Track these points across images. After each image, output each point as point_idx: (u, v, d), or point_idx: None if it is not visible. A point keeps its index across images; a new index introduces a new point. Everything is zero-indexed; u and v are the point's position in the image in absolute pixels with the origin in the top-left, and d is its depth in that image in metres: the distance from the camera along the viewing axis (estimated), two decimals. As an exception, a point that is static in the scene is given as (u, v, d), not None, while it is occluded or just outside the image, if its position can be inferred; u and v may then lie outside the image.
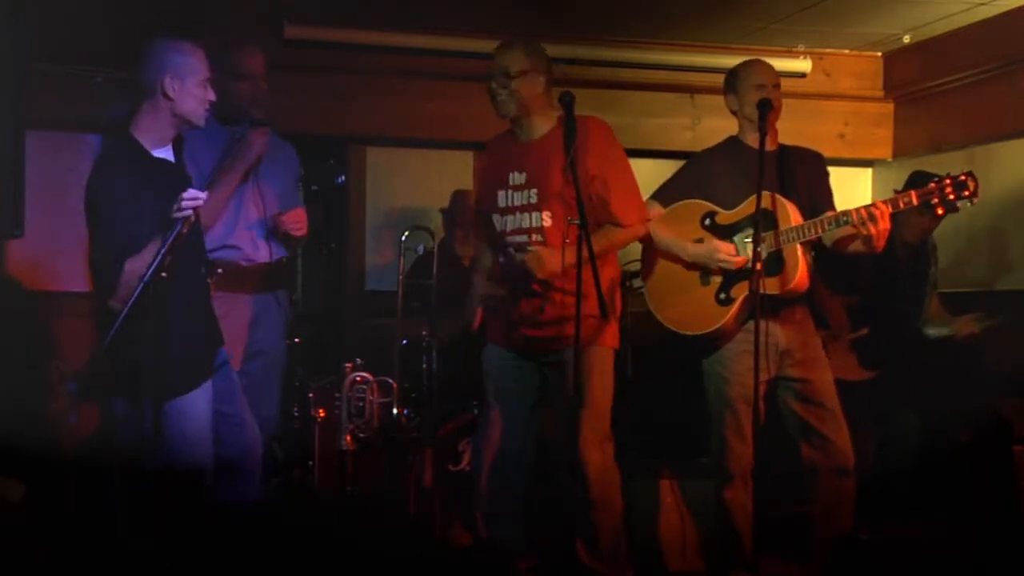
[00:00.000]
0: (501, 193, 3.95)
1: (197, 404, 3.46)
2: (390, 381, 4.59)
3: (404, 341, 4.78)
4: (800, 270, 3.91)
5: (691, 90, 5.99)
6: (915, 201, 3.76)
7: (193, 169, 3.74)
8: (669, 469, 4.60)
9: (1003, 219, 5.54)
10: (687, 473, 4.58)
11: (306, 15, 5.40)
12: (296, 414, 4.76)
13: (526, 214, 3.92)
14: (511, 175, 3.94)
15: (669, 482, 4.54)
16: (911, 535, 4.07)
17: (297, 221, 4.25)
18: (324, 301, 6.10)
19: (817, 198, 4.09)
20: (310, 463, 4.63)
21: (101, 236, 3.42)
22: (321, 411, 4.61)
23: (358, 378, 4.55)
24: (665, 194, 4.20)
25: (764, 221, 3.86)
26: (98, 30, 4.98)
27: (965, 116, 5.73)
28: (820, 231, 3.89)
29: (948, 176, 3.75)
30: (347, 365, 4.57)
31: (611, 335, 3.94)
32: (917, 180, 4.83)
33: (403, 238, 5.01)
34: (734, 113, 4.16)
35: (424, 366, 4.70)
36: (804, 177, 4.11)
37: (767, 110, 3.91)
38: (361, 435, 4.51)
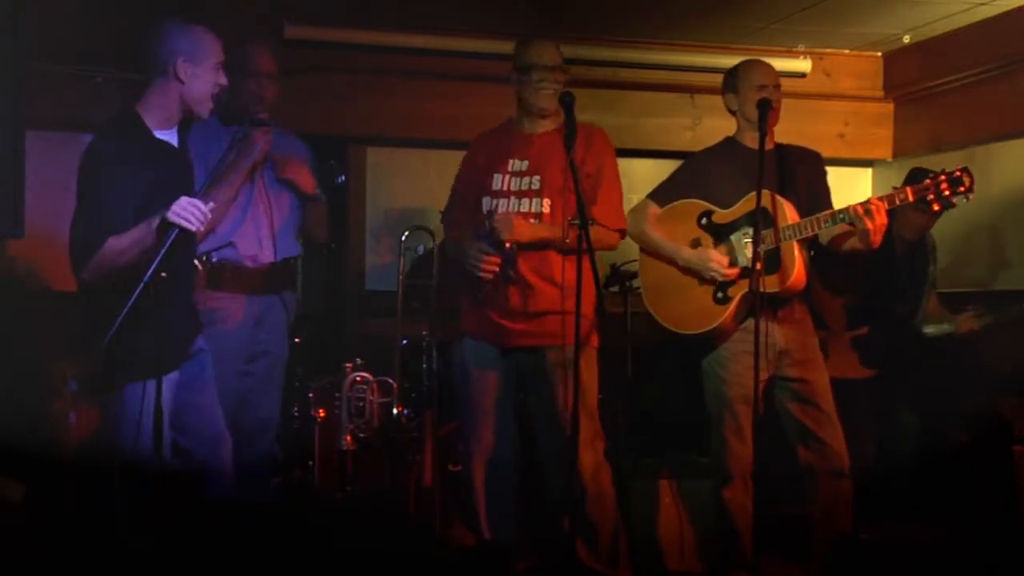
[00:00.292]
0: (497, 176, 3.98)
1: (167, 384, 3.34)
2: (390, 381, 4.59)
3: (404, 341, 4.78)
4: (797, 268, 3.92)
5: (691, 90, 5.99)
6: (911, 197, 3.76)
7: (201, 168, 3.74)
8: (669, 469, 4.60)
9: (1003, 219, 5.54)
10: (686, 473, 4.58)
11: (306, 15, 5.40)
12: (296, 414, 4.77)
13: (526, 199, 3.95)
14: (511, 161, 3.98)
15: (668, 482, 4.55)
16: (911, 535, 4.07)
17: (294, 165, 4.20)
18: (324, 301, 6.09)
19: (815, 197, 4.10)
20: (310, 463, 4.63)
21: (87, 208, 3.36)
22: (321, 411, 4.61)
23: (358, 378, 4.55)
24: (662, 194, 4.21)
25: (761, 220, 3.86)
26: (98, 30, 4.98)
27: (965, 116, 5.72)
28: (818, 228, 3.90)
29: (943, 172, 3.74)
30: (347, 365, 4.57)
31: (595, 336, 4.00)
32: (916, 177, 4.83)
33: (403, 238, 5.01)
34: (733, 113, 4.17)
35: (424, 366, 4.69)
36: (802, 176, 4.11)
37: (767, 110, 3.92)
38: (361, 435, 4.51)
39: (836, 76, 6.17)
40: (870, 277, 4.80)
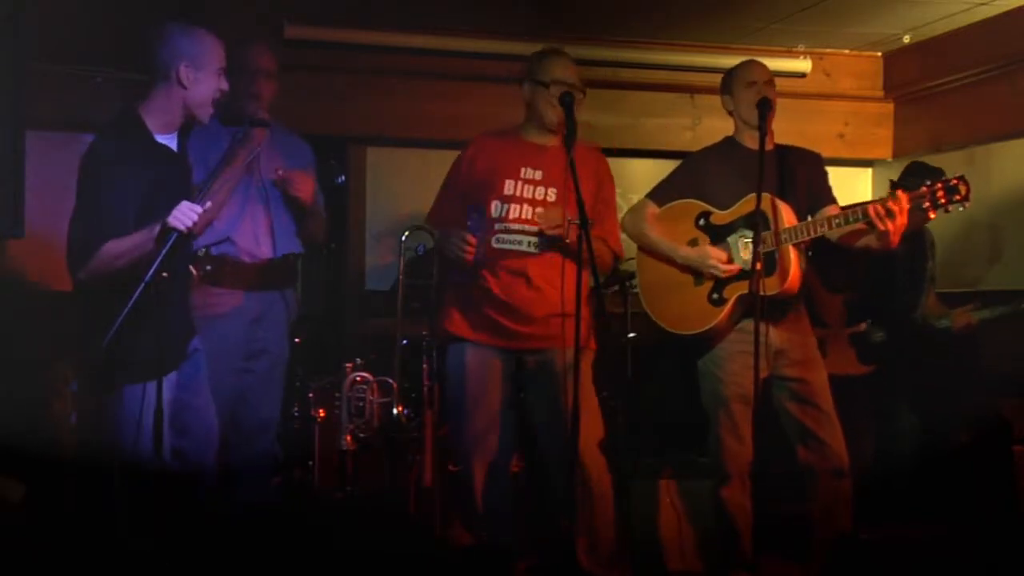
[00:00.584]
0: (509, 181, 3.97)
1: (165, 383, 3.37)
2: (390, 381, 4.59)
3: (404, 341, 4.78)
4: (793, 271, 3.92)
5: (691, 90, 5.99)
6: (905, 204, 3.74)
7: (201, 169, 3.73)
8: (669, 469, 4.60)
9: (1003, 218, 5.54)
10: (686, 473, 4.58)
11: (306, 15, 5.40)
12: (296, 414, 4.76)
13: (541, 209, 3.94)
14: (523, 169, 3.97)
15: (668, 482, 4.55)
16: (911, 535, 4.07)
17: (295, 179, 4.20)
18: (324, 301, 6.09)
19: (815, 197, 4.10)
20: (310, 463, 4.63)
21: (86, 208, 3.37)
22: (321, 411, 4.61)
23: (358, 378, 4.55)
24: (661, 194, 4.21)
25: (760, 222, 3.87)
26: (98, 30, 4.98)
27: (965, 116, 5.72)
28: (828, 229, 3.88)
29: (940, 180, 3.73)
30: (347, 365, 4.57)
31: (593, 338, 4.02)
32: (914, 170, 4.84)
33: (403, 238, 5.00)
34: (731, 114, 4.17)
35: (424, 366, 4.69)
36: (802, 177, 4.11)
37: (767, 110, 3.92)
38: (361, 435, 4.51)
39: (836, 76, 6.17)
40: (869, 274, 4.80)
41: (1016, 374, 4.82)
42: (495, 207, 3.97)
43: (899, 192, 3.74)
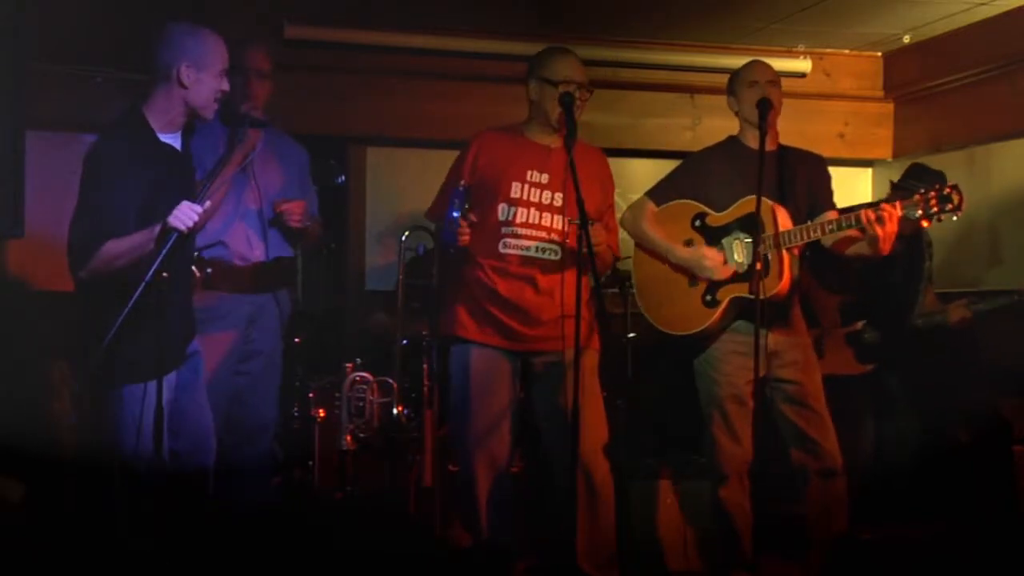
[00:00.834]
0: (516, 184, 3.95)
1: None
2: (390, 381, 4.59)
3: (404, 341, 4.78)
4: (785, 276, 3.92)
5: (691, 90, 5.99)
6: (899, 211, 3.74)
7: (201, 170, 3.73)
8: (669, 469, 4.60)
9: (1002, 218, 5.54)
10: (686, 473, 4.58)
11: (306, 15, 5.40)
12: (296, 414, 4.76)
13: (548, 214, 3.94)
14: (529, 172, 3.96)
15: (668, 482, 4.55)
16: (911, 535, 4.07)
17: (295, 212, 4.23)
18: (324, 301, 6.09)
19: (817, 199, 4.10)
20: (310, 463, 4.62)
21: (88, 206, 3.37)
22: (321, 411, 4.61)
23: (358, 378, 4.54)
24: (659, 192, 4.21)
25: (751, 226, 3.87)
26: (98, 30, 4.98)
27: (965, 116, 5.72)
28: (821, 234, 3.90)
29: (934, 189, 3.73)
30: (347, 365, 4.57)
31: (597, 338, 4.01)
32: (914, 173, 4.84)
33: (403, 238, 5.00)
34: (736, 114, 4.17)
35: (424, 366, 4.69)
36: (803, 178, 4.11)
37: (767, 109, 3.92)
38: (361, 435, 4.51)
39: (836, 76, 6.17)
40: (866, 274, 4.80)
41: (1015, 370, 4.81)
42: (502, 210, 3.95)
43: (894, 203, 3.75)
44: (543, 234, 3.93)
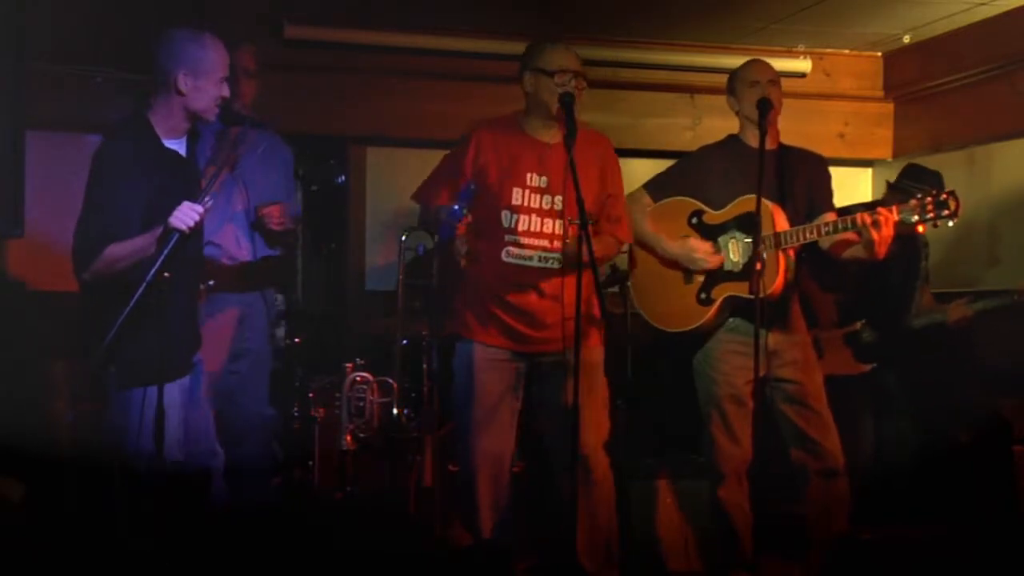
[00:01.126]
0: (517, 190, 3.91)
1: (171, 394, 3.35)
2: (390, 381, 4.58)
3: (404, 341, 4.78)
4: (779, 276, 3.92)
5: (691, 90, 5.99)
6: (895, 216, 3.75)
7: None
8: (668, 469, 4.60)
9: (1002, 218, 5.54)
10: (686, 473, 4.58)
11: (306, 15, 5.40)
12: (296, 414, 4.76)
13: (549, 220, 3.91)
14: (529, 175, 3.92)
15: (668, 482, 4.54)
16: (911, 535, 4.06)
17: (275, 215, 4.23)
18: (324, 301, 6.10)
19: (816, 199, 4.10)
20: (310, 463, 4.62)
21: (93, 209, 3.38)
22: (321, 411, 4.60)
23: (358, 378, 4.54)
24: (658, 187, 4.21)
25: (747, 225, 3.87)
26: (98, 30, 4.98)
27: (965, 116, 5.72)
28: (818, 235, 3.90)
29: (931, 194, 3.73)
30: (347, 365, 4.57)
31: (600, 336, 3.98)
32: (910, 173, 4.84)
33: (403, 238, 5.00)
34: (737, 114, 4.17)
35: (424, 366, 4.69)
36: (803, 178, 4.11)
37: (767, 109, 3.92)
38: (361, 435, 4.51)
39: (836, 76, 6.18)
40: (863, 274, 4.79)
41: (1014, 370, 4.81)
42: (504, 217, 3.93)
43: (890, 208, 3.75)
44: (545, 242, 3.91)
